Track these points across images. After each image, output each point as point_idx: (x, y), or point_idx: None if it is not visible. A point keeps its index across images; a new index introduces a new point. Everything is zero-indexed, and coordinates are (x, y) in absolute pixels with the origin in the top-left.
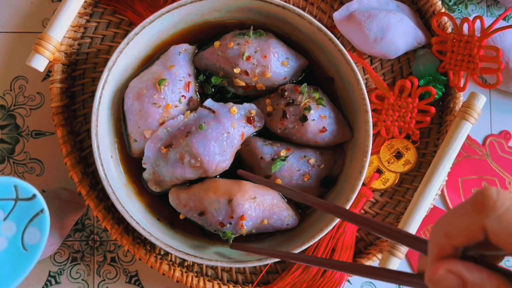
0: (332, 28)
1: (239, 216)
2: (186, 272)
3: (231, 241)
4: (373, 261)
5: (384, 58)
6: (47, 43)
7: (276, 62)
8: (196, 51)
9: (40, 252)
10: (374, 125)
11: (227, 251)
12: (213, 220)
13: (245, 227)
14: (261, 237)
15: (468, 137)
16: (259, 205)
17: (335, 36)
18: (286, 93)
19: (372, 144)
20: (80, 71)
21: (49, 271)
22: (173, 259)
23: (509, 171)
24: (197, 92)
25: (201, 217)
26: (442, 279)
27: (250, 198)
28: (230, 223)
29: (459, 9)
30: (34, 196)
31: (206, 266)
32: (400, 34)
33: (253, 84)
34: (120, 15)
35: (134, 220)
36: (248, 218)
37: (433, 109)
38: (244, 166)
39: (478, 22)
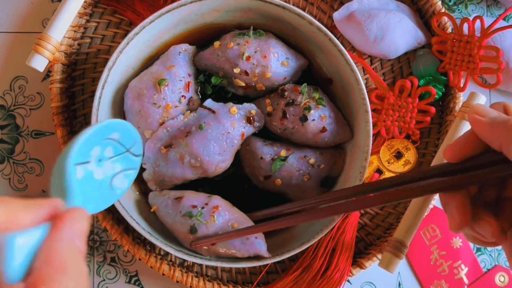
0: (332, 28)
1: (214, 206)
2: (186, 272)
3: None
4: (373, 261)
5: (384, 58)
6: (47, 43)
7: (276, 62)
8: (196, 51)
9: (121, 195)
10: (374, 125)
11: None
12: (187, 203)
13: (215, 218)
14: None
15: None
16: (233, 211)
17: (335, 36)
18: (286, 93)
19: (372, 144)
20: (80, 71)
21: None
22: (173, 259)
23: None
24: (197, 92)
25: (175, 201)
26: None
27: (228, 204)
28: (203, 208)
29: (459, 9)
30: (139, 155)
31: (206, 266)
32: (400, 34)
33: (253, 84)
34: (120, 15)
35: (134, 220)
36: (221, 210)
37: (433, 109)
38: (244, 166)
39: (478, 22)
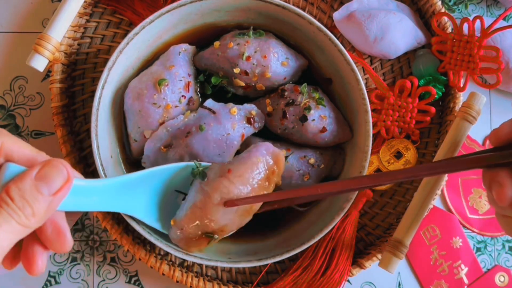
0: (332, 28)
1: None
2: (186, 272)
3: None
4: (373, 261)
5: (384, 58)
6: (47, 43)
7: (276, 62)
8: (196, 51)
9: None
10: (374, 125)
11: (226, 250)
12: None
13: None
14: (259, 238)
15: (468, 137)
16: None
17: (335, 36)
18: (286, 93)
19: (372, 144)
20: (80, 71)
21: (49, 271)
22: (173, 259)
23: None
24: (197, 92)
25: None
26: None
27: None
28: None
29: (459, 9)
30: None
31: (206, 266)
32: (400, 34)
33: (253, 84)
34: (120, 15)
35: (134, 220)
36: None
37: (433, 109)
38: None
39: (478, 22)
